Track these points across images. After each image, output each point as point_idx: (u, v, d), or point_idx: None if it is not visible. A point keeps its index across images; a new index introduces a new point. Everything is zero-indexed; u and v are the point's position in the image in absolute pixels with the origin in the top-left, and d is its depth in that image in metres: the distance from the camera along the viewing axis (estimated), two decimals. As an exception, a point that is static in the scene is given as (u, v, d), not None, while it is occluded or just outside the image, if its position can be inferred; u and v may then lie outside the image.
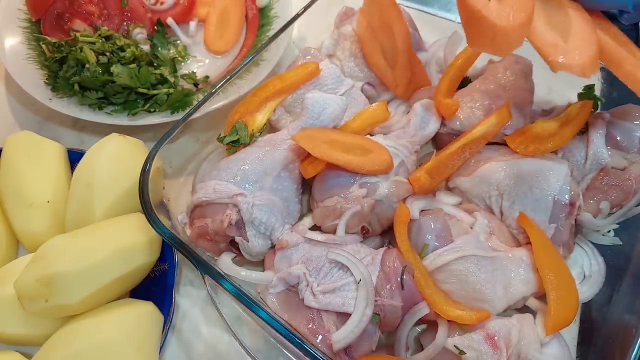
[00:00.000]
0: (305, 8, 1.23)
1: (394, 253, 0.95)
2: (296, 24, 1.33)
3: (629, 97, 1.17)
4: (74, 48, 1.22)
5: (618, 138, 1.12)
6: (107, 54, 1.23)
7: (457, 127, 1.15)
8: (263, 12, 1.50)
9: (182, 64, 1.43)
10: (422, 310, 0.92)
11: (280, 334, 0.80)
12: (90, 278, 0.91)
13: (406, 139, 1.13)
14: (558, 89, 1.32)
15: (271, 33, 1.41)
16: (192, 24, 1.49)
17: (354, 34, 1.27)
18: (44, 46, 1.31)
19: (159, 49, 1.37)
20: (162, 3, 1.46)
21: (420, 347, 0.96)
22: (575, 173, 1.10)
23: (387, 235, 1.10)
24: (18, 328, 0.94)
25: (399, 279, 0.91)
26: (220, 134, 1.09)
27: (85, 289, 0.91)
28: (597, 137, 1.11)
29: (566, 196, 1.02)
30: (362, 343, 0.89)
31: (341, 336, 0.86)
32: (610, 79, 1.23)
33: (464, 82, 1.24)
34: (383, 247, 1.04)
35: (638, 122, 1.13)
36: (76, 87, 1.21)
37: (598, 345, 0.96)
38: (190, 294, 1.08)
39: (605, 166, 1.09)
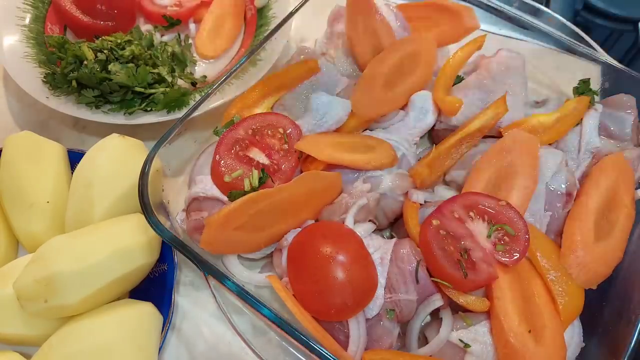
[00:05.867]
0: (299, 7, 1.20)
1: (407, 246, 0.91)
2: (294, 24, 1.29)
3: (621, 88, 1.15)
4: (72, 45, 1.18)
5: (611, 127, 1.10)
6: (105, 51, 1.17)
7: (453, 123, 1.12)
8: (261, 12, 1.46)
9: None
10: (436, 302, 0.89)
11: (285, 332, 0.76)
12: (89, 278, 0.86)
13: (406, 131, 1.10)
14: (551, 81, 1.29)
15: (269, 34, 1.38)
16: (192, 26, 1.45)
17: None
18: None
19: (158, 48, 1.32)
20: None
21: (425, 340, 0.92)
22: (570, 163, 1.07)
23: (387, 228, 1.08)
24: (17, 328, 0.90)
25: (413, 273, 0.88)
26: (217, 126, 1.04)
27: (85, 290, 0.86)
28: (590, 128, 1.09)
29: (562, 186, 0.99)
30: (382, 340, 0.86)
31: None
32: (603, 71, 1.22)
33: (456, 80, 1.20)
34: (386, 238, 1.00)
35: (629, 111, 1.11)
36: (74, 83, 1.16)
37: (599, 332, 0.93)
38: (190, 294, 1.04)
39: (598, 154, 1.07)
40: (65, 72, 1.17)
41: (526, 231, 0.89)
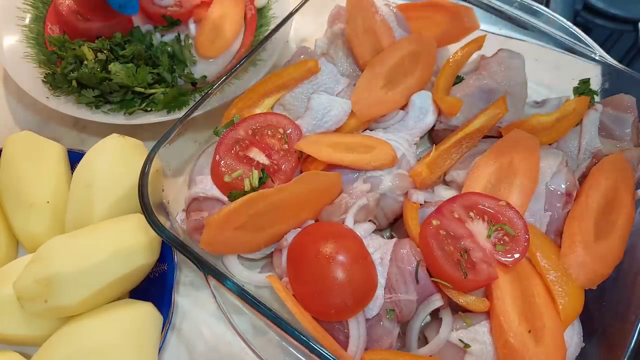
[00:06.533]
0: (299, 7, 1.19)
1: (407, 246, 0.90)
2: (294, 24, 1.29)
3: (621, 88, 1.15)
4: (72, 45, 1.18)
5: (611, 127, 1.10)
6: (105, 51, 1.17)
7: (453, 123, 1.12)
8: (261, 12, 1.45)
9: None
10: (436, 302, 0.88)
11: (285, 332, 0.75)
12: (89, 279, 0.86)
13: (405, 131, 1.10)
14: (551, 81, 1.29)
15: (269, 34, 1.37)
16: (192, 26, 1.45)
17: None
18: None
19: (158, 48, 1.32)
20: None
21: (425, 340, 0.91)
22: (570, 163, 1.07)
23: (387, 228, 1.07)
24: (17, 328, 0.89)
25: (413, 274, 0.88)
26: (217, 127, 1.04)
27: (85, 290, 0.86)
28: (590, 128, 1.09)
29: (562, 186, 0.98)
30: (382, 340, 0.86)
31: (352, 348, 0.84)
32: (603, 71, 1.22)
33: (456, 80, 1.20)
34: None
35: (629, 111, 1.11)
36: (74, 83, 1.15)
37: (599, 332, 0.93)
38: (190, 294, 1.04)
39: (598, 154, 1.07)
40: (65, 72, 1.16)
41: (526, 231, 0.89)
